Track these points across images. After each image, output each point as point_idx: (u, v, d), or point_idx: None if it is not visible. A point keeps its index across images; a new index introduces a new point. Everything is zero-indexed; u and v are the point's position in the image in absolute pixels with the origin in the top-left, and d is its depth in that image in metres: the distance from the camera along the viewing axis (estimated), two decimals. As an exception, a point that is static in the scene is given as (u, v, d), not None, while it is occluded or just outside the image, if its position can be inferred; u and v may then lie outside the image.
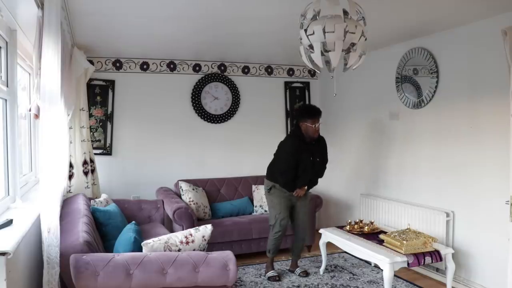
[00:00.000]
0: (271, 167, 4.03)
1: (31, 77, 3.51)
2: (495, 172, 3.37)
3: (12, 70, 2.72)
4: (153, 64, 5.11)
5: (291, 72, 5.75)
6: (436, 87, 3.93)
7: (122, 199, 4.44)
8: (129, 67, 5.02)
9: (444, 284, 3.60)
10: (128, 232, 2.86)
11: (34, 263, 2.57)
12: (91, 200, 3.87)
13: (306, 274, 4.03)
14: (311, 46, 2.61)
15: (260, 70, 5.60)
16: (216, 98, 5.40)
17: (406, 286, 3.77)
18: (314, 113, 3.82)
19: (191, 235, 2.56)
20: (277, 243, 3.96)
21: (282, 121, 5.70)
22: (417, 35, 4.04)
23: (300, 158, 3.80)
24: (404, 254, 3.27)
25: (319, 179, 4.08)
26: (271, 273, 3.95)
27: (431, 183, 4.05)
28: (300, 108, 3.90)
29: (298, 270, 4.09)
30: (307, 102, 5.81)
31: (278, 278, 3.91)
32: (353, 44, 2.57)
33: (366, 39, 2.66)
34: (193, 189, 4.75)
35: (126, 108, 5.02)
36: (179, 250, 2.47)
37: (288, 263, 4.32)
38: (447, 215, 3.77)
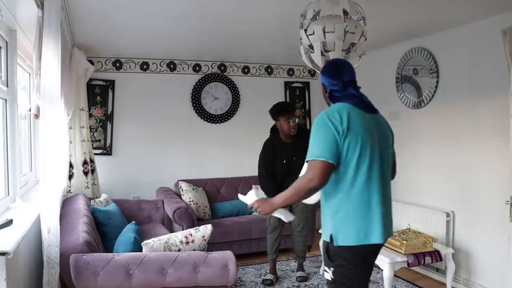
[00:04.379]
0: None
1: (31, 77, 3.51)
2: (495, 172, 3.37)
3: (12, 70, 2.71)
4: (153, 64, 5.11)
5: (291, 72, 5.75)
6: (436, 87, 3.93)
7: (122, 199, 4.44)
8: (129, 67, 5.02)
9: (444, 284, 3.61)
10: (128, 232, 2.86)
11: (34, 263, 2.57)
12: (91, 200, 3.87)
13: (303, 279, 3.94)
14: (311, 46, 2.62)
15: (260, 70, 5.61)
16: (216, 98, 5.40)
17: (406, 286, 3.77)
18: (287, 109, 3.74)
19: (191, 235, 2.56)
20: (272, 244, 3.93)
21: (282, 121, 5.71)
22: (417, 35, 4.04)
23: (275, 163, 3.77)
24: (404, 254, 3.27)
25: None
26: (267, 276, 3.93)
27: (431, 183, 4.05)
28: (273, 107, 3.85)
29: (297, 274, 4.02)
30: (307, 102, 5.83)
31: (271, 283, 3.84)
32: (353, 44, 2.58)
33: (366, 39, 2.67)
34: (193, 189, 4.75)
35: (126, 108, 5.02)
36: (179, 250, 2.47)
37: (288, 263, 4.33)
38: (447, 215, 3.77)
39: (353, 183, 1.91)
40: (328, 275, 2.00)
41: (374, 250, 1.98)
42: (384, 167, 2.02)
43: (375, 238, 1.91)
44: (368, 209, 1.91)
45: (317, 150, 1.89)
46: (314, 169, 1.87)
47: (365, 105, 2.04)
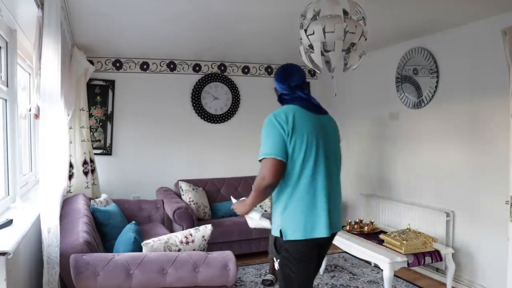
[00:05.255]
0: None
1: (31, 77, 3.51)
2: (495, 172, 3.37)
3: (12, 70, 2.71)
4: (153, 64, 5.11)
5: (291, 72, 5.75)
6: (436, 87, 3.93)
7: (122, 199, 4.44)
8: (129, 67, 5.02)
9: (444, 284, 3.61)
10: (128, 232, 2.86)
11: (34, 263, 2.57)
12: (91, 200, 3.87)
13: None
14: (311, 46, 2.61)
15: (260, 70, 5.61)
16: (216, 98, 5.41)
17: (406, 286, 3.77)
18: None
19: (191, 235, 2.57)
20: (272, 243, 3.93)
21: (282, 121, 5.70)
22: (417, 35, 4.04)
23: None
24: (404, 254, 3.27)
25: None
26: (267, 276, 3.92)
27: (431, 183, 4.05)
28: None
29: None
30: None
31: (271, 283, 3.84)
32: (353, 44, 2.57)
33: (366, 39, 2.66)
34: (193, 189, 4.75)
35: (126, 108, 5.02)
36: (179, 250, 2.47)
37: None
38: (447, 215, 3.77)
39: (299, 180, 2.04)
40: (276, 265, 2.17)
41: (320, 243, 2.09)
42: (330, 164, 2.13)
43: (320, 232, 2.03)
44: (314, 204, 2.04)
45: (265, 149, 2.03)
46: (265, 167, 2.01)
47: (312, 106, 2.17)
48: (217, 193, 5.10)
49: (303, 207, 2.03)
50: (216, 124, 5.42)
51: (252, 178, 5.26)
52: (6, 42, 2.66)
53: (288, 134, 2.01)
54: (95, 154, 4.71)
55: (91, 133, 4.79)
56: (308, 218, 2.03)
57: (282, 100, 2.23)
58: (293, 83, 2.19)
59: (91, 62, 4.60)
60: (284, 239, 2.05)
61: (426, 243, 3.37)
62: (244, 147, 5.48)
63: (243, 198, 2.34)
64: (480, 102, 3.53)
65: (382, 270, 3.32)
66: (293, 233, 2.03)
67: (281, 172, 2.01)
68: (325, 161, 2.09)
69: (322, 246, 2.15)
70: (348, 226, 4.04)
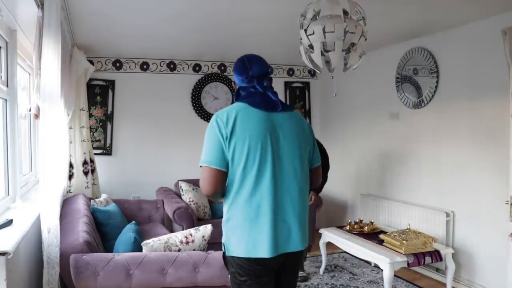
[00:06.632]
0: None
1: (31, 77, 3.51)
2: (495, 172, 3.37)
3: (12, 70, 2.72)
4: (153, 64, 5.11)
5: (291, 72, 5.75)
6: (436, 87, 3.93)
7: (122, 199, 4.44)
8: (129, 67, 5.02)
9: (444, 284, 3.61)
10: (128, 232, 2.86)
11: (34, 263, 2.57)
12: (91, 200, 3.87)
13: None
14: (311, 46, 2.61)
15: (260, 70, 5.60)
16: (216, 98, 5.41)
17: (406, 286, 3.77)
18: None
19: (191, 235, 2.57)
20: None
21: (282, 121, 5.70)
22: (417, 35, 4.04)
23: None
24: (404, 254, 3.26)
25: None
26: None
27: (431, 183, 4.05)
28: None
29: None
30: (307, 102, 5.84)
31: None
32: (353, 44, 2.57)
33: (366, 39, 2.66)
34: (193, 189, 4.75)
35: (126, 108, 5.02)
36: (179, 250, 2.47)
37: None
38: (447, 215, 3.77)
39: (241, 190, 1.77)
40: (228, 278, 1.95)
41: (266, 263, 1.78)
42: (282, 170, 1.82)
43: (262, 252, 1.74)
44: (256, 219, 1.76)
45: (204, 155, 1.80)
46: (202, 176, 1.79)
47: (268, 103, 1.89)
48: (217, 193, 5.09)
49: (245, 222, 1.76)
50: (216, 124, 5.42)
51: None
52: (6, 42, 2.66)
53: (226, 139, 1.75)
54: (95, 154, 4.71)
55: (91, 133, 4.79)
56: (250, 235, 1.75)
57: (238, 96, 1.97)
58: (251, 72, 1.97)
59: (91, 62, 4.60)
60: (226, 254, 1.82)
61: (426, 243, 3.37)
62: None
63: None
64: (480, 102, 3.53)
65: (382, 270, 3.32)
66: (235, 249, 1.78)
67: (220, 181, 1.77)
68: (274, 167, 1.78)
69: (279, 268, 1.85)
70: (348, 226, 4.04)
